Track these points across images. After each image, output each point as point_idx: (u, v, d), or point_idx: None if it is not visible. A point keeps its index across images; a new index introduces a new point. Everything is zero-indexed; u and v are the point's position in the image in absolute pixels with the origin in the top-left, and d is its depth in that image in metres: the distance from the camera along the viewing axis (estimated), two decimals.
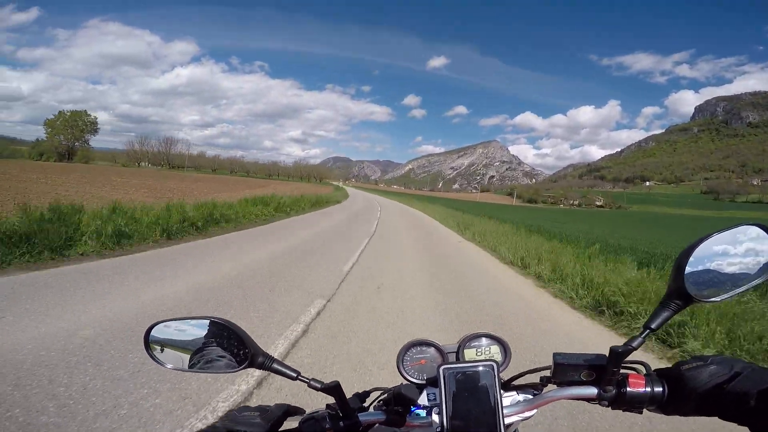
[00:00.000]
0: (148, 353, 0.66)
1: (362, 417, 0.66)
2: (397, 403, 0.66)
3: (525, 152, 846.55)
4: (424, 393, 0.75)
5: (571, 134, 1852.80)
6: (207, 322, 0.64)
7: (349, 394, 0.70)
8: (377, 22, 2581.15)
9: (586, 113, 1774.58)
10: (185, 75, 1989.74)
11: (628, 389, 0.60)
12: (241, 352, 0.63)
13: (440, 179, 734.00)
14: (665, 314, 0.62)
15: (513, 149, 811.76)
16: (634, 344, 0.59)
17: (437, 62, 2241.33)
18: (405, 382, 0.78)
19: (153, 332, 0.67)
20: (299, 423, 0.65)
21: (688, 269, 0.61)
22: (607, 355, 0.61)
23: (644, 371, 0.63)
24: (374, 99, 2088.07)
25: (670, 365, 0.61)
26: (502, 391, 0.65)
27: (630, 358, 0.61)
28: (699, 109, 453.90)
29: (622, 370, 0.62)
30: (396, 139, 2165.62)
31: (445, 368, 0.66)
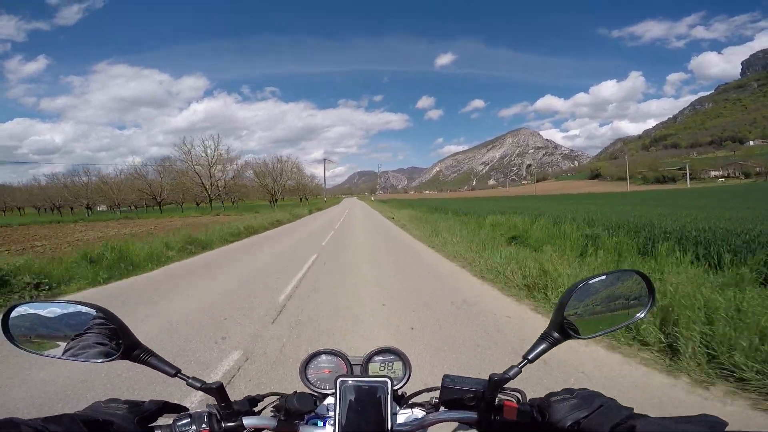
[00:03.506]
0: (7, 337, 0.62)
1: (248, 421, 0.64)
2: (289, 411, 0.66)
3: (552, 136, 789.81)
4: (325, 402, 0.76)
5: (597, 112, 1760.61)
6: (84, 308, 0.61)
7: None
8: (379, 31, 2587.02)
9: (608, 88, 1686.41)
10: (201, 110, 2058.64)
11: (502, 418, 0.62)
12: (115, 342, 0.60)
13: (472, 177, 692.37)
14: (543, 346, 0.66)
15: (544, 134, 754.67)
16: (511, 373, 0.63)
17: (445, 59, 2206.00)
18: (304, 390, 0.78)
19: (15, 313, 0.62)
20: (173, 420, 0.62)
21: (568, 307, 0.66)
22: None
23: (519, 400, 0.65)
24: (388, 107, 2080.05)
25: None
26: (396, 407, 0.68)
27: (510, 385, 0.65)
28: (748, 64, 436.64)
29: (502, 396, 0.65)
30: (417, 145, 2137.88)
31: (341, 380, 0.66)
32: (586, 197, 50.09)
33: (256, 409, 0.72)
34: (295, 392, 0.69)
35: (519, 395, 0.67)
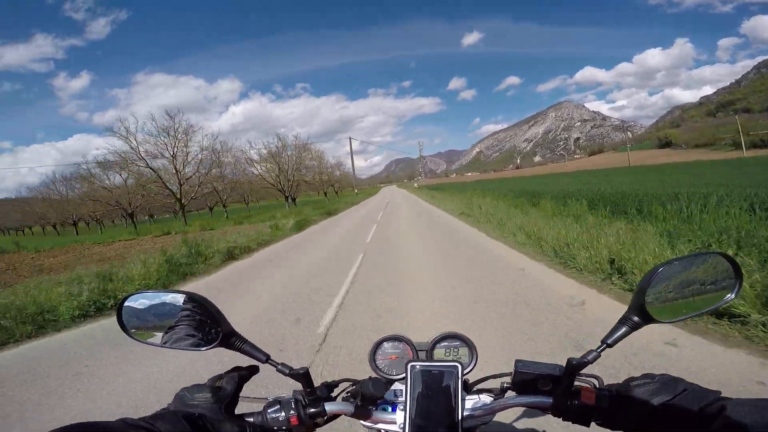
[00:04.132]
0: (121, 326, 0.66)
1: (328, 407, 0.67)
2: (364, 396, 0.67)
3: (598, 108, 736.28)
4: (393, 388, 0.78)
5: (645, 81, 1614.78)
6: (183, 296, 0.64)
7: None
8: (400, 17, 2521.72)
9: (654, 57, 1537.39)
10: (240, 112, 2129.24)
11: (580, 402, 0.61)
12: (213, 330, 0.63)
13: (516, 155, 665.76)
14: (623, 330, 0.63)
15: (590, 106, 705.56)
16: (590, 358, 0.61)
17: (471, 39, 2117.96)
18: (374, 375, 0.79)
19: (127, 304, 0.66)
20: (263, 407, 0.65)
21: (650, 290, 0.63)
22: (564, 366, 0.63)
23: (597, 384, 0.65)
24: (418, 92, 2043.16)
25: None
26: (464, 394, 0.67)
27: (586, 371, 0.63)
28: None
29: (576, 383, 0.64)
30: (453, 127, 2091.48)
31: (412, 365, 0.67)
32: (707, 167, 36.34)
33: (333, 395, 0.72)
34: (370, 378, 0.69)
35: (595, 381, 0.66)
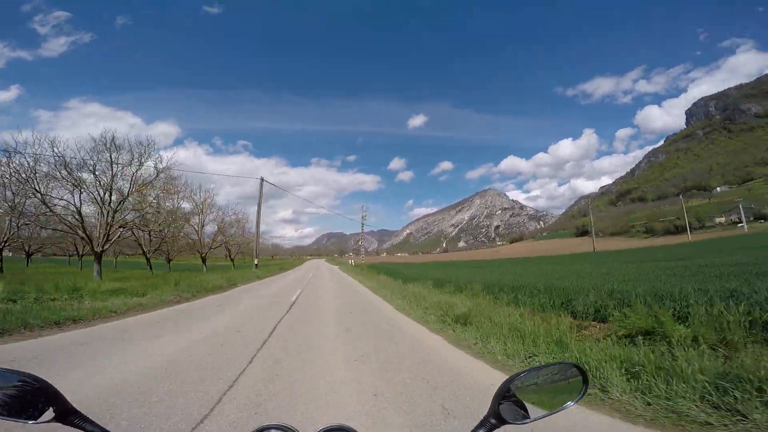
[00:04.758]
0: None
1: None
2: None
3: (516, 197, 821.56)
4: None
5: (556, 171, 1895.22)
6: (13, 375, 0.63)
7: None
8: (355, 92, 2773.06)
9: (566, 147, 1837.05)
10: (168, 158, 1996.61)
11: None
12: (48, 408, 0.62)
13: (443, 239, 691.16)
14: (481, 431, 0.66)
15: (510, 195, 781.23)
16: None
17: (417, 121, 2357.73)
18: None
19: None
20: None
21: (507, 395, 0.72)
22: None
23: None
24: (361, 168, 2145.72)
25: None
26: None
27: None
28: (691, 114, 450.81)
29: None
30: (388, 207, 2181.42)
31: None
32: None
33: None
34: None
35: None
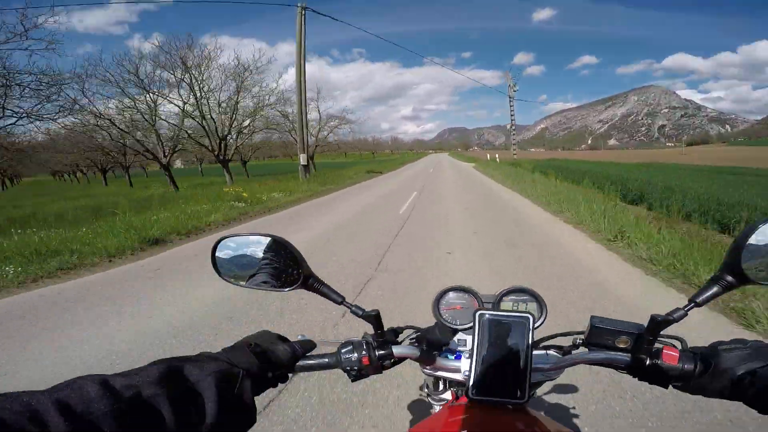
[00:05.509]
0: (215, 268, 0.69)
1: (396, 350, 0.66)
2: (430, 342, 0.68)
3: (688, 97, 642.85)
4: (456, 338, 0.77)
5: (751, 74, 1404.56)
6: (268, 239, 0.66)
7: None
8: None
9: (766, 49, 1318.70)
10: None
11: (661, 362, 0.57)
12: (295, 271, 0.65)
13: (587, 135, 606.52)
14: (714, 290, 0.57)
15: (681, 93, 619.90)
16: (675, 316, 0.57)
17: (543, 14, 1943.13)
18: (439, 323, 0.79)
19: (219, 246, 0.69)
20: (337, 348, 0.66)
21: (747, 248, 0.55)
22: (646, 324, 0.58)
23: (680, 346, 0.60)
24: (479, 65, 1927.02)
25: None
26: (532, 347, 0.65)
27: (668, 331, 0.58)
28: None
29: (657, 343, 0.59)
30: (517, 102, 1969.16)
31: (480, 314, 0.66)
32: None
33: (399, 340, 0.71)
34: (436, 323, 0.71)
35: (679, 342, 0.61)
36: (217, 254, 0.68)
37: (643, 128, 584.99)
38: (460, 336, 0.78)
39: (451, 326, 0.79)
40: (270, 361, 0.56)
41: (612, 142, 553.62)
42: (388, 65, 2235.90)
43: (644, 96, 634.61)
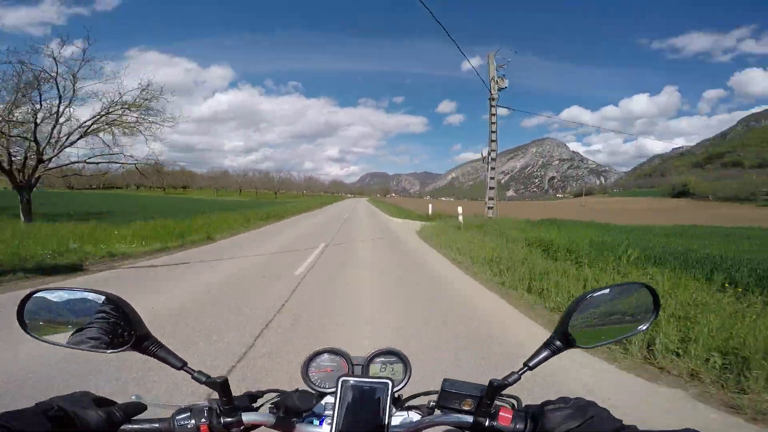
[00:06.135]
0: (20, 323, 0.64)
1: (246, 417, 0.65)
2: (289, 408, 0.67)
3: (575, 149, 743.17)
4: (324, 401, 0.80)
5: (625, 127, 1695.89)
6: (97, 296, 0.62)
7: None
8: (406, 32, 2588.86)
9: (640, 102, 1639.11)
10: (225, 100, 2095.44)
11: (497, 423, 0.64)
12: (126, 332, 0.61)
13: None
14: (545, 354, 0.67)
15: (570, 146, 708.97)
16: (510, 380, 0.65)
17: (472, 63, 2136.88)
18: (305, 387, 0.81)
19: (35, 300, 0.64)
20: (172, 414, 0.63)
21: (574, 316, 0.67)
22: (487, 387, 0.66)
23: (515, 406, 0.69)
24: (408, 110, 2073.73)
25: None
26: (393, 410, 0.70)
27: (508, 391, 0.67)
28: None
29: (498, 402, 0.67)
30: (433, 149, 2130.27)
31: (343, 380, 0.69)
32: None
33: (255, 405, 0.72)
34: (297, 390, 0.70)
35: (515, 402, 0.70)
36: (27, 308, 0.62)
37: (536, 180, 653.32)
38: (328, 399, 0.78)
39: (318, 390, 0.82)
40: (75, 428, 0.49)
41: (510, 193, 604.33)
42: (322, 102, 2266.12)
43: (541, 148, 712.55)
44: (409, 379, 0.86)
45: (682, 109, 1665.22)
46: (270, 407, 0.72)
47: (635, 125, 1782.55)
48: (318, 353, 0.89)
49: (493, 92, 15.12)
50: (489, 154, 16.84)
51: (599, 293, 0.70)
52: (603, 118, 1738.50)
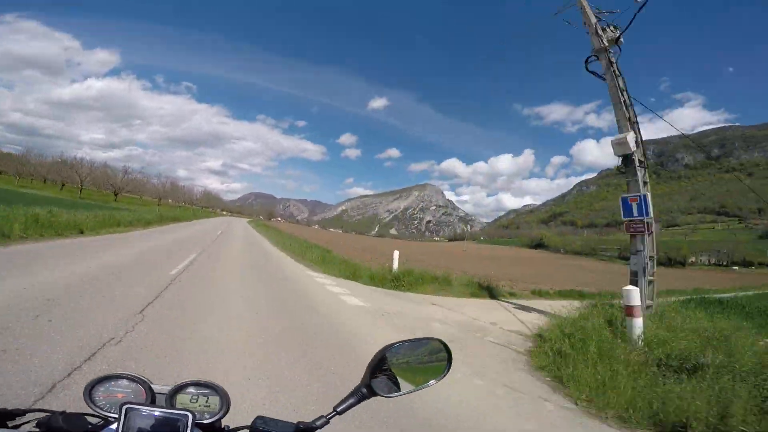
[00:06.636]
0: None
1: None
2: (55, 430, 0.62)
3: (449, 197, 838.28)
4: (111, 427, 0.72)
5: (489, 182, 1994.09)
6: None
7: None
8: (322, 60, 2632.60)
9: (505, 162, 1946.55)
10: (97, 87, 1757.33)
11: None
12: None
13: (376, 222, 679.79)
14: (352, 401, 0.74)
15: (446, 194, 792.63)
16: (318, 423, 0.69)
17: (378, 103, 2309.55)
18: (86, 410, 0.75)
19: None
20: None
21: (379, 366, 0.76)
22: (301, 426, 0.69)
23: None
24: (308, 136, 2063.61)
25: None
26: None
27: None
28: None
29: None
30: (327, 180, 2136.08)
31: (128, 407, 0.62)
32: None
33: (16, 424, 0.65)
34: (64, 411, 0.65)
35: None
36: None
37: (416, 221, 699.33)
38: (113, 427, 0.70)
39: (101, 414, 0.74)
40: None
41: (392, 231, 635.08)
42: (214, 110, 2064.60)
43: (422, 192, 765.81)
44: (226, 412, 0.77)
45: (533, 171, 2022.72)
46: (33, 428, 0.65)
47: (497, 181, 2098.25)
48: (110, 377, 0.77)
49: (604, 41, 7.47)
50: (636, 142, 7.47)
51: (398, 346, 0.79)
52: (474, 172, 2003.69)
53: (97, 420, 0.70)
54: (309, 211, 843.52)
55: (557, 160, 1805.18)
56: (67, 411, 0.64)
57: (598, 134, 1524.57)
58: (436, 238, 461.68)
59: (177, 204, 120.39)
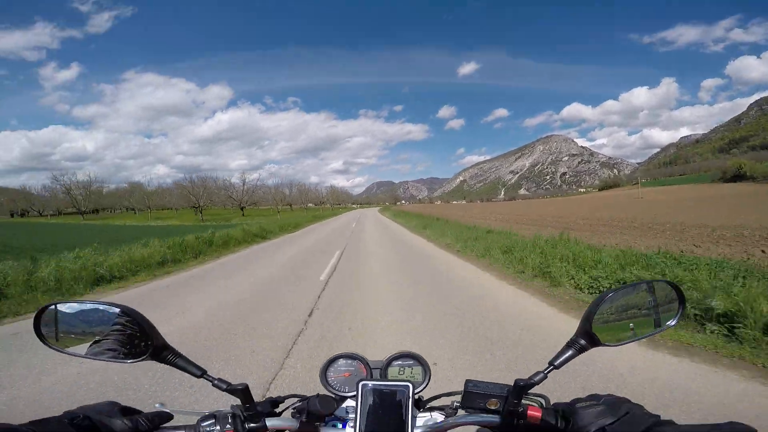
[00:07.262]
0: (38, 334, 0.63)
1: (270, 422, 0.66)
2: (311, 413, 0.67)
3: (582, 144, 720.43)
4: (344, 405, 0.79)
5: (628, 120, 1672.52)
6: (117, 309, 0.63)
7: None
8: (400, 42, 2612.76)
9: (640, 96, 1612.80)
10: (225, 120, 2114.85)
11: (525, 421, 0.63)
12: (143, 343, 0.62)
13: (500, 186, 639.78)
14: (569, 353, 0.67)
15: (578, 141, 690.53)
16: (536, 379, 0.64)
17: (467, 69, 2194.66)
18: (324, 392, 0.81)
19: (47, 315, 0.64)
20: (197, 420, 0.64)
21: (597, 315, 0.67)
22: (512, 386, 0.64)
23: (543, 404, 0.68)
24: (408, 118, 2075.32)
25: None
26: (416, 411, 0.70)
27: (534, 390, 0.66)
28: None
29: (525, 401, 0.66)
30: (437, 155, 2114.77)
31: (363, 384, 0.68)
32: None
33: (277, 410, 0.72)
34: (317, 394, 0.70)
35: (543, 400, 0.69)
36: (43, 321, 0.63)
37: (548, 176, 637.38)
38: (349, 403, 0.78)
39: (338, 394, 0.81)
40: None
41: (522, 191, 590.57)
42: (322, 116, 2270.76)
43: (548, 145, 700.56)
44: (429, 381, 0.84)
45: (681, 99, 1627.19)
46: (292, 412, 0.72)
47: (639, 117, 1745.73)
48: (335, 358, 0.88)
49: None
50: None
51: (619, 291, 0.69)
52: (604, 113, 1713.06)
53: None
54: (427, 188, 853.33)
55: (709, 83, 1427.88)
56: (319, 394, 0.68)
57: (754, 49, 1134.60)
58: (581, 190, 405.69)
59: (315, 206, 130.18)
